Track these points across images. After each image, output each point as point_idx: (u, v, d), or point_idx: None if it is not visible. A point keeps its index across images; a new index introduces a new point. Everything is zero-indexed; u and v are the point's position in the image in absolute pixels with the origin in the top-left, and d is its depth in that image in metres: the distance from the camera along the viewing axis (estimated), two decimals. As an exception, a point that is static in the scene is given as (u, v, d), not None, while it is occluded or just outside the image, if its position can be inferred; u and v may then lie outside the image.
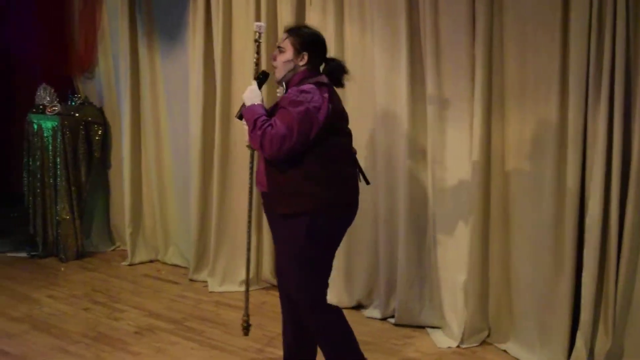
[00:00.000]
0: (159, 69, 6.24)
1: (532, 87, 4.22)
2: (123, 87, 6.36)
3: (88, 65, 6.74)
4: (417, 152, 4.71)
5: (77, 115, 6.52)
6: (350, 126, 4.94)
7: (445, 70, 4.51)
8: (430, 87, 4.57)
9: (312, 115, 3.40)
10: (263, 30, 3.87)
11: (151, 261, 6.48)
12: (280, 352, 4.20)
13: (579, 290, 4.08)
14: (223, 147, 5.60)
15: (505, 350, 4.48)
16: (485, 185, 4.45)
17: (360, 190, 4.97)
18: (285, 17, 5.23)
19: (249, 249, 4.14)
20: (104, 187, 6.92)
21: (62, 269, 6.29)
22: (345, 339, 3.69)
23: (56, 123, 6.40)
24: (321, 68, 3.69)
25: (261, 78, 3.76)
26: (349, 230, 5.03)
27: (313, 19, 5.06)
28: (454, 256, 4.62)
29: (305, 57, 3.59)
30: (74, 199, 6.48)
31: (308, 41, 3.60)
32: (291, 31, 3.66)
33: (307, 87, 3.47)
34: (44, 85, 6.71)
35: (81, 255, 6.57)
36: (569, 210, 4.06)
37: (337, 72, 3.65)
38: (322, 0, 5.02)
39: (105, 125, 6.71)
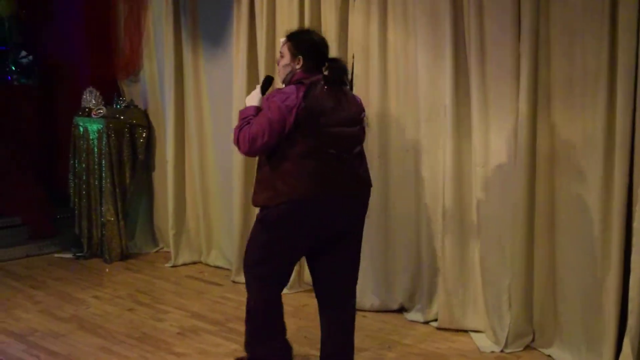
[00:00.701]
0: (203, 73, 6.29)
1: (579, 87, 4.15)
2: (167, 91, 6.43)
3: (133, 69, 6.84)
4: (461, 154, 4.68)
5: (122, 118, 6.61)
6: (393, 128, 4.99)
7: (490, 70, 4.47)
8: (474, 88, 4.53)
9: (284, 113, 3.55)
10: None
11: (194, 263, 6.53)
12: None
13: (627, 295, 4.01)
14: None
15: (549, 356, 4.42)
16: (530, 188, 4.40)
17: (402, 193, 5.01)
18: (330, 20, 5.24)
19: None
20: (147, 189, 7.00)
21: (107, 270, 6.37)
22: (259, 328, 3.89)
23: (101, 126, 6.49)
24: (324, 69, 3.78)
25: (265, 82, 3.93)
26: (391, 233, 5.09)
27: (356, 22, 5.06)
28: (497, 259, 4.57)
29: (301, 61, 3.74)
30: (118, 200, 6.57)
31: (302, 46, 3.77)
32: (288, 37, 3.85)
33: (287, 87, 3.68)
34: (90, 88, 6.82)
35: (125, 256, 6.65)
36: (616, 213, 3.98)
37: (335, 72, 3.75)
38: (366, 2, 5.02)
39: (149, 128, 6.79)
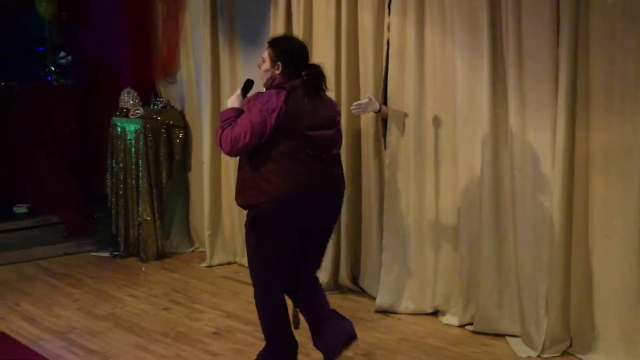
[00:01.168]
0: (240, 74, 6.31)
1: (618, 90, 4.10)
2: (204, 91, 6.47)
3: (171, 70, 6.89)
4: (498, 159, 4.64)
5: (159, 118, 6.66)
6: (429, 129, 4.98)
7: (528, 73, 4.42)
8: (512, 91, 4.48)
9: (265, 116, 3.74)
10: None
11: (229, 263, 6.56)
12: (357, 357, 4.23)
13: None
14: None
15: (587, 361, 4.38)
16: (568, 193, 4.34)
17: (438, 196, 4.99)
18: (366, 21, 5.24)
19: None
20: (184, 190, 7.05)
21: (143, 269, 6.44)
22: (275, 324, 4.12)
23: (139, 126, 6.55)
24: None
25: (246, 85, 4.09)
26: (426, 236, 5.07)
27: (393, 23, 5.05)
28: (535, 264, 4.53)
29: (280, 67, 3.93)
30: (154, 200, 6.63)
31: (282, 52, 3.95)
32: (269, 43, 4.06)
33: (267, 91, 3.89)
34: (127, 89, 6.88)
35: (161, 255, 6.71)
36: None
37: (314, 78, 3.93)
38: (402, 3, 5.00)
39: (186, 129, 6.84)
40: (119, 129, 6.71)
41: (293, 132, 3.80)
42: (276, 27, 5.81)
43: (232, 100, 4.00)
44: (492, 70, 4.58)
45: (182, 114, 6.87)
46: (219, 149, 3.92)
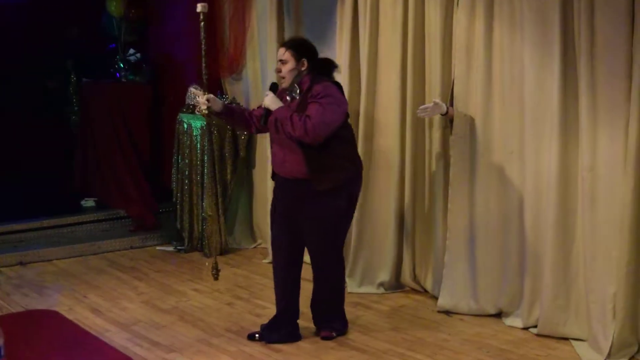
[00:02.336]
0: (305, 72, 6.33)
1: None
2: (269, 89, 6.49)
3: (237, 67, 6.94)
4: (568, 157, 4.55)
5: (225, 115, 6.71)
6: (496, 128, 4.92)
7: (600, 71, 4.32)
8: (583, 90, 4.39)
9: (340, 105, 4.39)
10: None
11: (291, 260, 6.56)
12: (419, 356, 4.20)
13: None
14: (366, 150, 5.61)
15: (656, 368, 4.27)
16: (639, 195, 4.24)
17: (505, 195, 4.92)
18: (434, 20, 5.19)
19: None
20: (248, 186, 7.10)
21: (207, 264, 6.50)
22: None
23: (205, 123, 6.61)
24: None
25: (273, 87, 4.55)
26: (491, 234, 5.00)
27: (461, 21, 5.00)
28: (603, 267, 4.42)
29: (305, 62, 4.43)
30: (219, 196, 6.69)
31: (303, 49, 4.48)
32: (287, 44, 4.54)
33: (328, 84, 4.39)
34: (194, 85, 6.95)
35: (224, 251, 6.76)
36: None
37: (328, 67, 4.54)
38: (471, 0, 4.94)
39: (250, 126, 6.88)
40: (185, 125, 6.80)
41: (346, 120, 4.55)
42: (343, 24, 5.80)
43: (271, 101, 4.41)
44: (563, 68, 4.49)
45: (247, 112, 6.91)
46: (296, 137, 4.33)
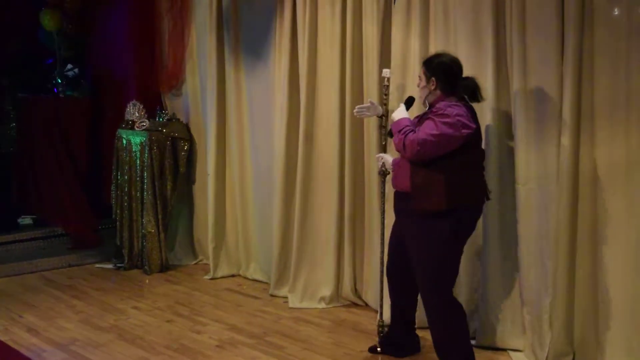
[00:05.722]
0: (244, 87, 6.34)
1: (623, 107, 4.10)
2: (209, 104, 6.48)
3: (176, 83, 6.92)
4: (504, 171, 4.64)
5: (164, 130, 6.68)
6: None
7: (533, 89, 4.42)
8: (516, 106, 4.49)
9: (456, 127, 3.97)
10: (389, 75, 4.76)
11: (233, 276, 6.55)
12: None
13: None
14: (306, 165, 5.64)
15: (591, 377, 4.35)
16: (573, 206, 4.33)
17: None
18: (371, 34, 5.25)
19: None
20: (188, 202, 7.05)
21: (147, 281, 6.43)
22: (460, 336, 4.24)
23: (144, 138, 6.57)
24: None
25: (409, 101, 4.48)
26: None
27: (396, 36, 5.07)
28: (538, 277, 4.51)
29: (434, 82, 4.17)
30: (159, 212, 6.63)
31: (434, 69, 4.19)
32: (424, 62, 4.30)
33: (453, 104, 4.07)
34: (133, 101, 6.91)
35: (165, 268, 6.71)
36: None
37: (470, 89, 4.18)
38: (406, 16, 5.03)
39: (191, 141, 6.86)
40: (124, 141, 6.73)
41: (474, 144, 4.14)
42: (281, 41, 5.83)
43: (399, 113, 4.29)
44: (496, 84, 4.60)
45: (187, 127, 6.88)
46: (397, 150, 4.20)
